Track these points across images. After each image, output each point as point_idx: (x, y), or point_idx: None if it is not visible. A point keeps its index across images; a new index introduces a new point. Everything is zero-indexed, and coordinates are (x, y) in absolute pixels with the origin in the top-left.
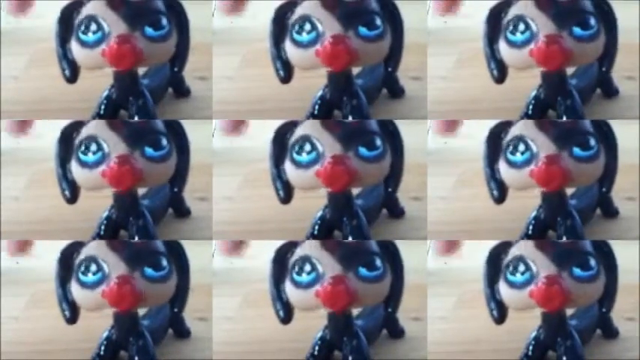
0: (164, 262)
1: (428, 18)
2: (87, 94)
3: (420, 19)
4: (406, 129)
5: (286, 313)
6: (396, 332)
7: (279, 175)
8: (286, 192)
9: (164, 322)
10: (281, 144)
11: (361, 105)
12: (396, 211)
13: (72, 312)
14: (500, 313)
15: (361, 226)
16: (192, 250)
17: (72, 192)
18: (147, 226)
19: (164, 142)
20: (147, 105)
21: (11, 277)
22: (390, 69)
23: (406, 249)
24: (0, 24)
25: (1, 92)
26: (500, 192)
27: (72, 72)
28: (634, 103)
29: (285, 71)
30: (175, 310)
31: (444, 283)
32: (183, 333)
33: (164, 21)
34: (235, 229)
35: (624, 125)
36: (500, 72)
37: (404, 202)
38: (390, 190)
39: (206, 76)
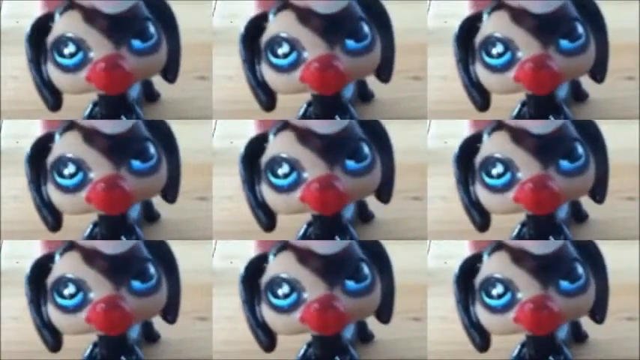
0: (151, 270)
1: (428, 18)
2: (87, 94)
3: (420, 19)
4: (406, 129)
5: (269, 339)
6: (367, 336)
7: (255, 200)
8: (269, 217)
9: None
10: (252, 164)
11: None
12: (366, 215)
13: (54, 339)
14: (483, 339)
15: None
16: (192, 250)
17: (54, 218)
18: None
19: (151, 150)
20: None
21: (11, 277)
22: (383, 78)
23: (406, 249)
24: (0, 24)
25: (1, 92)
26: (483, 219)
27: (55, 99)
28: (634, 103)
29: (268, 97)
30: (169, 318)
31: (444, 283)
32: (153, 336)
33: (151, 29)
34: (235, 229)
35: (624, 125)
36: (482, 98)
37: (404, 202)
38: (383, 200)
39: (206, 76)
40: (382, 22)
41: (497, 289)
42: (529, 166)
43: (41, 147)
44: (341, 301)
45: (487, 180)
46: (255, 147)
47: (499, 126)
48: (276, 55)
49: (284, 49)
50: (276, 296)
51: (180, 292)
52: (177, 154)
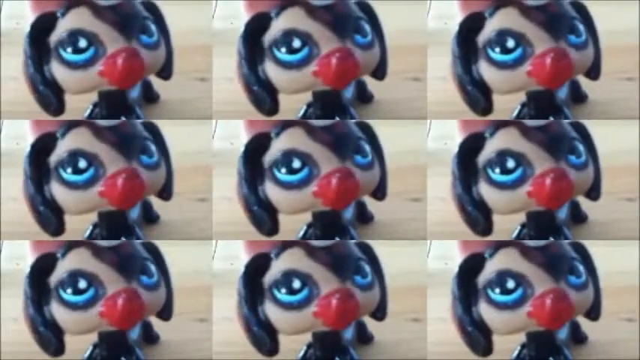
0: (152, 268)
1: (428, 19)
2: (87, 95)
3: (420, 20)
4: (406, 129)
5: (273, 341)
6: (366, 337)
7: (258, 202)
8: (273, 220)
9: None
10: (254, 163)
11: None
12: (366, 216)
13: (58, 341)
14: (487, 341)
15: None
16: (193, 251)
17: (59, 221)
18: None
19: (152, 146)
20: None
21: (11, 279)
22: (379, 75)
23: (406, 250)
24: (0, 24)
25: (1, 92)
26: (486, 220)
27: (58, 101)
28: (634, 104)
29: (271, 99)
30: (165, 317)
31: (444, 284)
32: (152, 338)
33: (152, 26)
34: (235, 230)
35: (624, 125)
36: (487, 99)
37: (404, 204)
38: (379, 197)
39: (206, 77)
40: (374, 22)
41: (509, 284)
42: (542, 161)
43: (41, 148)
44: (356, 294)
45: (495, 177)
46: (256, 147)
47: (504, 124)
48: (286, 52)
49: (296, 44)
50: (286, 292)
51: (173, 290)
52: (167, 153)
